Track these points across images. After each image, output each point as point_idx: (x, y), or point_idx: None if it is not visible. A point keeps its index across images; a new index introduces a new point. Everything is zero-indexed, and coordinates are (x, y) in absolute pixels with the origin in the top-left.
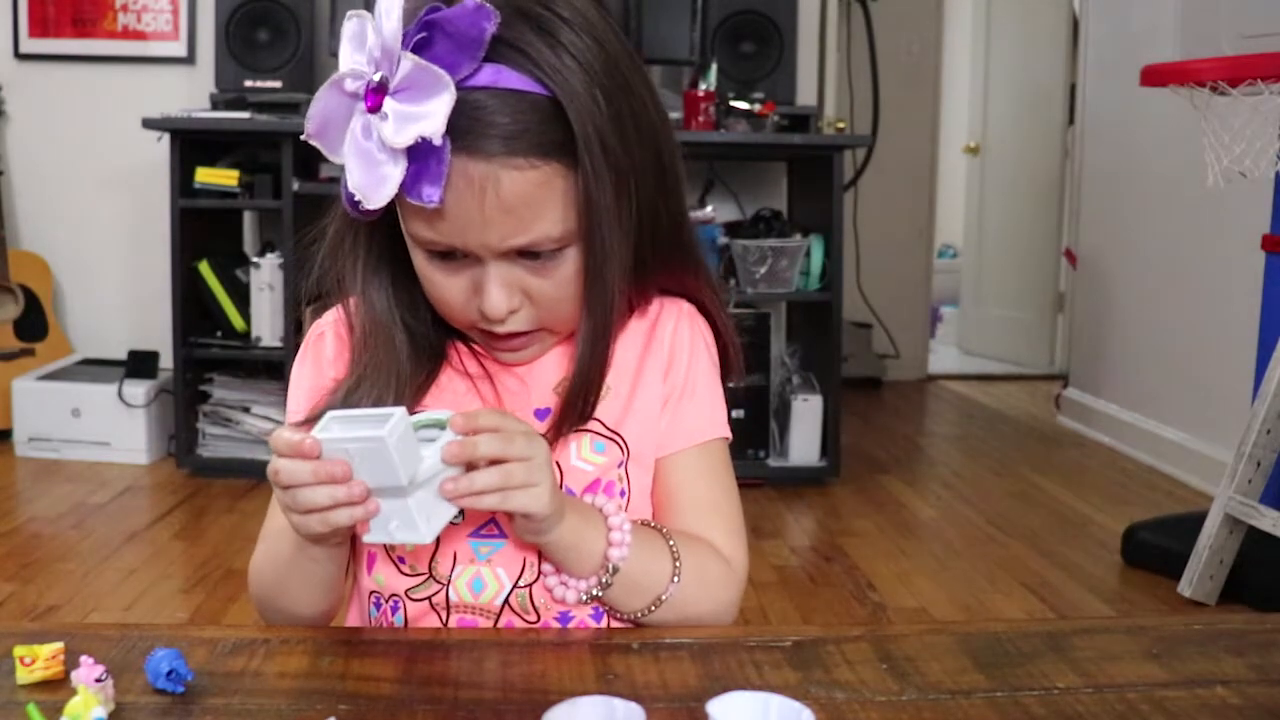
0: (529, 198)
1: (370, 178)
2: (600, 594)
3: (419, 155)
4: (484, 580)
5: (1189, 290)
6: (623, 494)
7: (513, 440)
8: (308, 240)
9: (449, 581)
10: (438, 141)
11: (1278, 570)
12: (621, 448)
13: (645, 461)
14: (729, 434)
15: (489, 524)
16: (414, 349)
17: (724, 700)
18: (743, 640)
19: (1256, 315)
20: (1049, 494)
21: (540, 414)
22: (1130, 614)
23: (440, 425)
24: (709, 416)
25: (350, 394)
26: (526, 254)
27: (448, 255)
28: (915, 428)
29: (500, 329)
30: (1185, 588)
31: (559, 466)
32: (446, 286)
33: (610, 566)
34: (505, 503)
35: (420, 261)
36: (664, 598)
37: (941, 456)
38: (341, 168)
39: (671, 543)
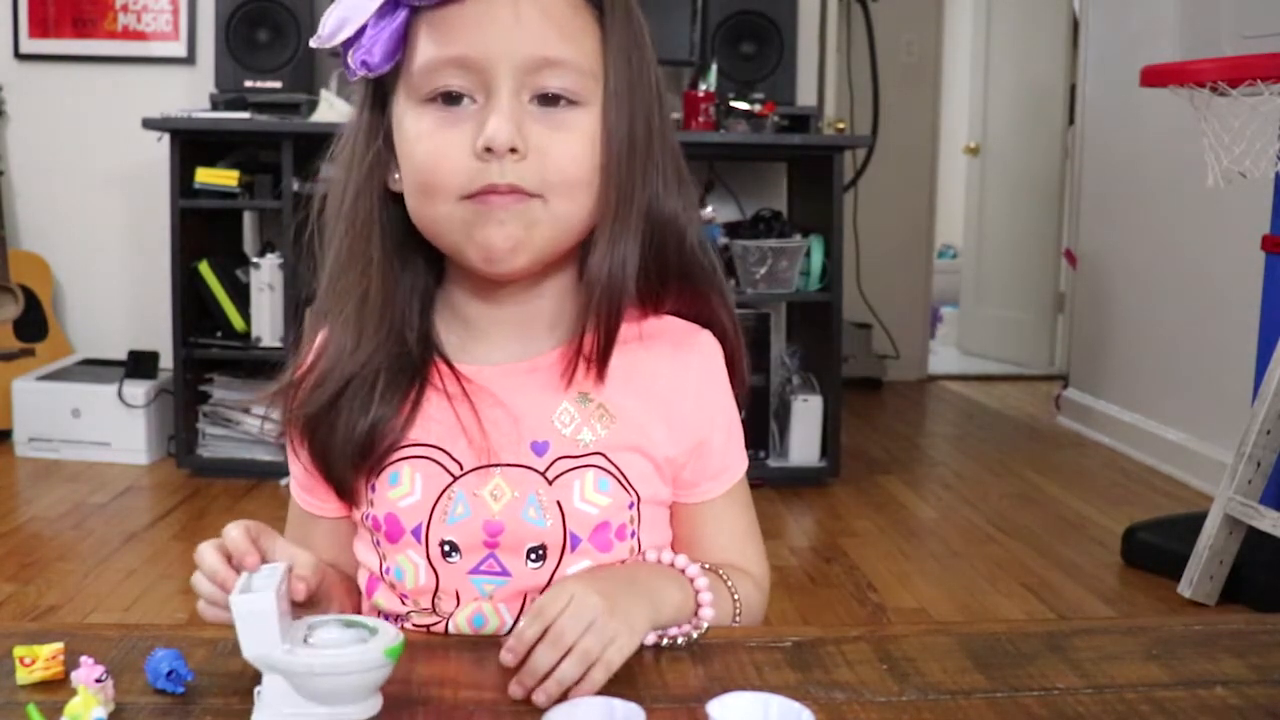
0: (563, 12)
1: None
2: (695, 638)
3: None
4: (485, 616)
5: (1189, 291)
6: (633, 535)
7: (562, 635)
8: (325, 158)
9: (450, 616)
10: None
11: (1278, 571)
12: (628, 489)
13: (657, 499)
14: (747, 460)
15: (488, 559)
16: (390, 304)
17: (724, 700)
18: (743, 641)
19: (1256, 316)
20: (1049, 494)
21: (538, 447)
22: (1130, 614)
23: (371, 630)
24: (734, 456)
25: (310, 370)
26: (541, 94)
27: (451, 100)
28: (915, 428)
29: (500, 179)
30: (1185, 588)
31: (560, 508)
32: (445, 139)
33: (682, 640)
34: (608, 672)
35: (413, 126)
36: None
37: (941, 457)
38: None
39: (730, 584)
